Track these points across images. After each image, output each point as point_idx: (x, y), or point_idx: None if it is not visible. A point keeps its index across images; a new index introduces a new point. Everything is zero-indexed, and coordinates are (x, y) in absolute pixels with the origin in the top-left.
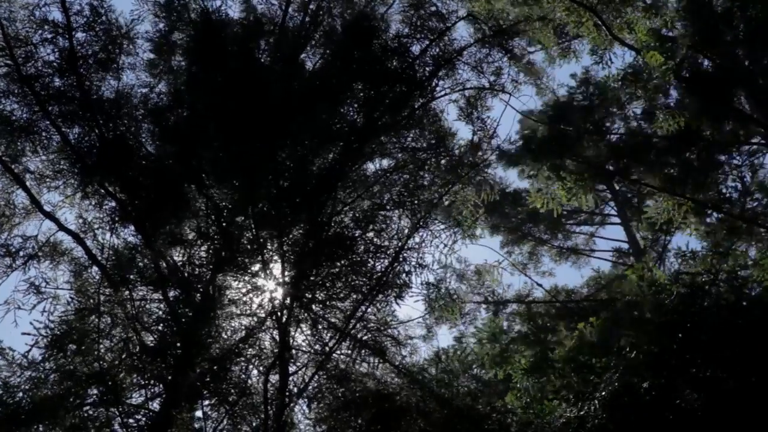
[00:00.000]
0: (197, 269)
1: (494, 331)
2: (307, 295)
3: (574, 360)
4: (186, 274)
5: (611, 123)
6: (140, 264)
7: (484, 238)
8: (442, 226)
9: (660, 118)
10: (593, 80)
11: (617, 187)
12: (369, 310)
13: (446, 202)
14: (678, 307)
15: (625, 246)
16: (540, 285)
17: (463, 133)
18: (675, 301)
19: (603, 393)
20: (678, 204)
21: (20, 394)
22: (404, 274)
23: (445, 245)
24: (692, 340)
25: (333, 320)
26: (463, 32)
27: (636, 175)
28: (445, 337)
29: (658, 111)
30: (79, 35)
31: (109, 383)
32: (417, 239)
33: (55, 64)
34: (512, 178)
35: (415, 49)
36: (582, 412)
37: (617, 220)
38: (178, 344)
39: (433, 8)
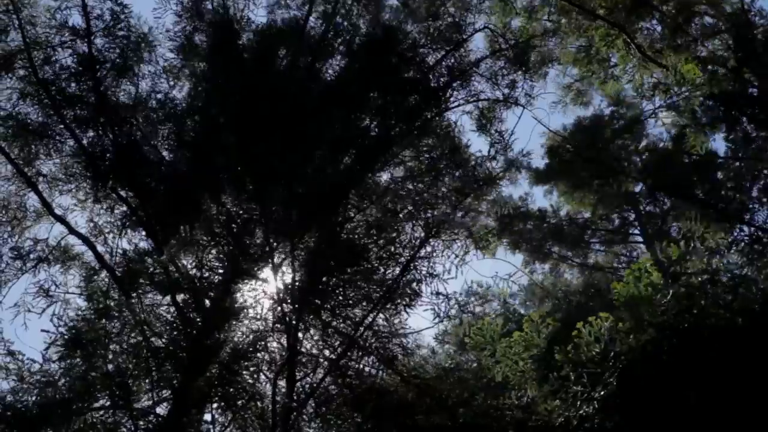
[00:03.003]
0: (208, 274)
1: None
2: (317, 301)
3: (572, 360)
4: (197, 280)
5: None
6: (151, 269)
7: (504, 256)
8: (455, 237)
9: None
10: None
11: (642, 207)
12: (379, 317)
13: (459, 214)
14: (675, 308)
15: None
16: (558, 299)
17: (477, 144)
18: (672, 301)
19: (602, 393)
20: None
21: (30, 397)
22: (415, 283)
23: (457, 256)
24: (691, 341)
25: (342, 327)
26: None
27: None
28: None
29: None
30: (99, 40)
31: (119, 387)
32: (429, 249)
33: (72, 68)
34: (537, 195)
35: (434, 59)
36: (581, 412)
37: (640, 239)
38: (188, 348)
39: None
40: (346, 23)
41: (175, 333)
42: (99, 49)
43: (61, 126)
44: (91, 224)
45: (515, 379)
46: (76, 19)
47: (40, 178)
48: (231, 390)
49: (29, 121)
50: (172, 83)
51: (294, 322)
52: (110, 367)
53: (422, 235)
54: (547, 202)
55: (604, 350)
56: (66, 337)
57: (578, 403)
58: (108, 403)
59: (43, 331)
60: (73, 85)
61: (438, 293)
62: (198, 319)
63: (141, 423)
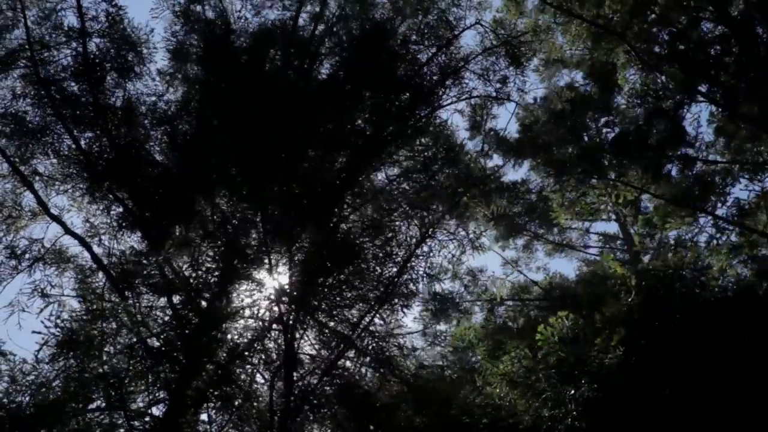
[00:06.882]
0: (204, 275)
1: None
2: (313, 302)
3: (537, 362)
4: (192, 281)
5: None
6: (146, 270)
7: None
8: (450, 236)
9: None
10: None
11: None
12: (376, 318)
13: (454, 215)
14: (643, 306)
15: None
16: (535, 282)
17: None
18: (636, 300)
19: (572, 392)
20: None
21: (24, 398)
22: (411, 283)
23: (453, 255)
24: (660, 339)
25: (339, 328)
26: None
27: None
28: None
29: None
30: (95, 41)
31: (114, 387)
32: (425, 248)
33: (72, 68)
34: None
35: (426, 57)
36: (554, 412)
37: (612, 216)
38: (184, 349)
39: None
40: (336, 20)
41: (171, 334)
42: (95, 51)
43: (60, 126)
44: (88, 225)
45: (496, 382)
46: (71, 20)
47: (36, 177)
48: (228, 390)
49: (27, 119)
50: (166, 86)
51: (291, 322)
52: (106, 368)
53: (418, 235)
54: (516, 176)
55: (569, 351)
56: (60, 337)
57: (549, 404)
58: (103, 404)
59: (34, 332)
60: (72, 85)
61: (435, 293)
62: (194, 320)
63: (137, 424)
